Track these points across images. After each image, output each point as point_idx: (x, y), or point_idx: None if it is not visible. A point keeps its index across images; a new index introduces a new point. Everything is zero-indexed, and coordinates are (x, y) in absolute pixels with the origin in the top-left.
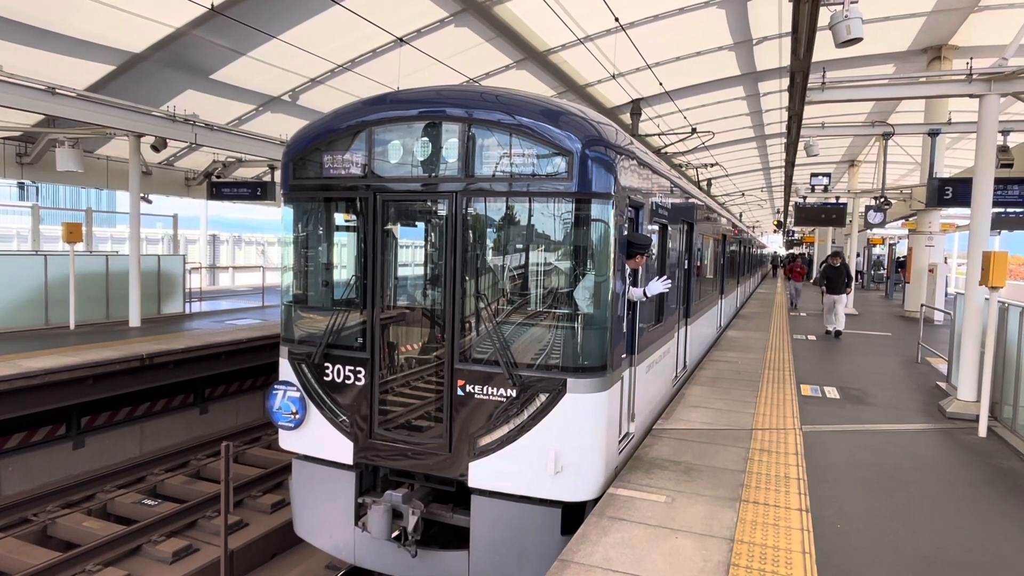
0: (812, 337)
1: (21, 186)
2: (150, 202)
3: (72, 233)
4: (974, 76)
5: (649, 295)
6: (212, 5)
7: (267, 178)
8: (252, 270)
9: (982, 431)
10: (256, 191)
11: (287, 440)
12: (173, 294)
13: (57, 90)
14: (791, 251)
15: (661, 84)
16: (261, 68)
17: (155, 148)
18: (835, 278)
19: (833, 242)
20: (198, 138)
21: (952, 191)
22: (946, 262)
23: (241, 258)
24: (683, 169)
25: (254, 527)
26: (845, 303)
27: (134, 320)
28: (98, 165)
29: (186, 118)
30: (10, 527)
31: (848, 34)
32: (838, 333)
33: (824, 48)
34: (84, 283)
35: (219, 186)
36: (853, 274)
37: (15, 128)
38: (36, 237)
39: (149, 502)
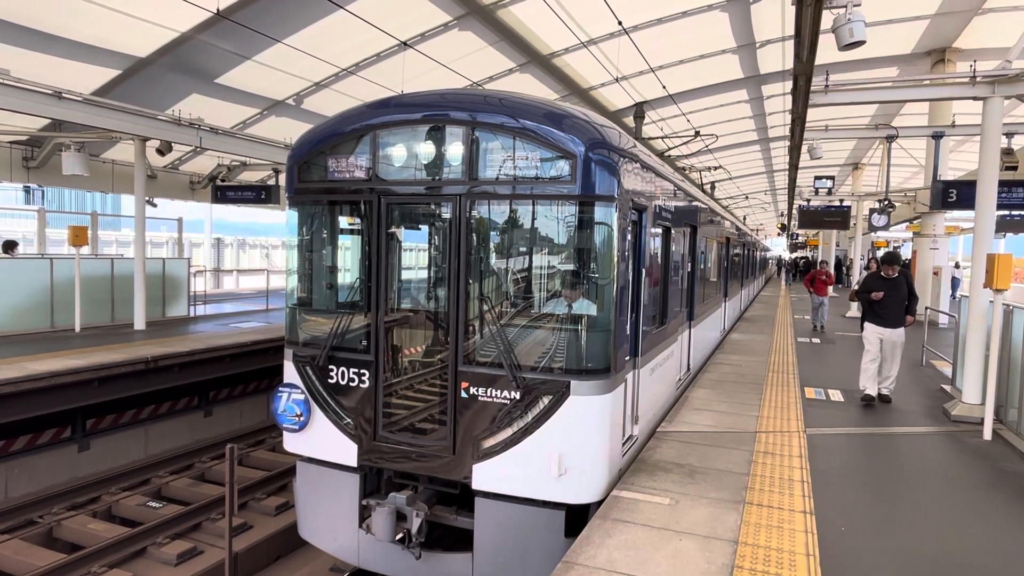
0: (816, 340)
1: (27, 190)
2: (155, 205)
3: (78, 236)
4: (978, 79)
5: None
6: (217, 10)
7: (271, 181)
8: (256, 273)
9: (987, 434)
10: (260, 194)
11: (291, 442)
12: (178, 297)
13: (63, 94)
14: (796, 255)
15: (664, 87)
16: (265, 72)
17: (160, 152)
18: (891, 298)
19: (837, 245)
20: (203, 142)
21: (956, 194)
22: (957, 267)
23: (245, 261)
24: (686, 172)
25: (258, 529)
26: (902, 344)
27: (139, 323)
28: (103, 169)
29: (191, 122)
30: (16, 529)
31: (851, 37)
32: (884, 398)
33: (827, 51)
34: (89, 286)
35: (223, 190)
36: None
37: (21, 132)
38: (42, 240)
39: (154, 504)
